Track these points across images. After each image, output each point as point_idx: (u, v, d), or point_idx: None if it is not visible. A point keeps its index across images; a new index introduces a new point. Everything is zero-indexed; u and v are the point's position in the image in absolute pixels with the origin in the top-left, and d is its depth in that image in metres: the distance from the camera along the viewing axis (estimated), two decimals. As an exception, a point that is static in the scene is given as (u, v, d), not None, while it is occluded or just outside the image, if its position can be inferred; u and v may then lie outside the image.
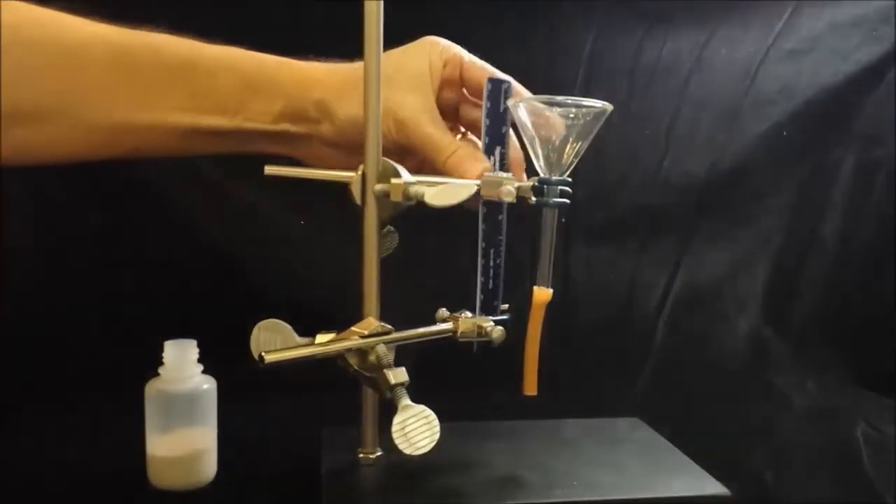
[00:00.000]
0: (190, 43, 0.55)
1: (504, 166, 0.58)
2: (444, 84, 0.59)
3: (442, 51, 0.59)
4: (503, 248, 0.59)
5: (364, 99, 0.52)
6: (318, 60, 0.59)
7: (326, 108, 0.57)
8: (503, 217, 0.58)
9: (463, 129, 0.63)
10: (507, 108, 0.57)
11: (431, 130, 0.57)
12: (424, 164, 0.58)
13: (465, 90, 0.61)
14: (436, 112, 0.58)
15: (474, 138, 0.61)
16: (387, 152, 0.54)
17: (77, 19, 0.51)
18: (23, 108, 0.49)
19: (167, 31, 0.54)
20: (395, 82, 0.56)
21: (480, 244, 0.58)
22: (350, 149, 0.55)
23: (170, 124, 0.54)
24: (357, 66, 0.54)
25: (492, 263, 0.58)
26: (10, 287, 0.72)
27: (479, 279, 0.58)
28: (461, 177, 0.55)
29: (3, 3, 0.48)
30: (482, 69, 0.59)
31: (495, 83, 0.57)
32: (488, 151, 0.57)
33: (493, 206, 0.58)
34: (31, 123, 0.50)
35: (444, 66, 0.58)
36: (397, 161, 0.54)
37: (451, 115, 0.61)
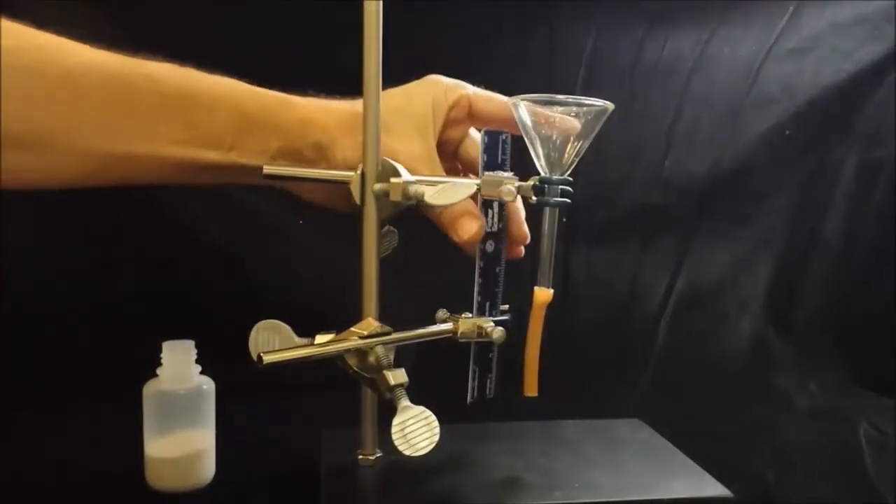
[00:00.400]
0: (189, 73, 0.53)
1: (503, 219, 0.57)
2: (449, 124, 0.58)
3: (447, 91, 0.57)
4: (500, 300, 0.58)
5: (363, 100, 0.52)
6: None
7: (324, 151, 0.56)
8: (501, 269, 0.58)
9: (461, 167, 0.62)
10: (505, 160, 0.56)
11: None
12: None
13: (471, 128, 0.60)
14: (435, 159, 0.57)
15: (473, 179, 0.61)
16: None
17: (77, 45, 0.50)
18: (19, 133, 0.48)
19: (168, 35, 0.53)
20: (394, 127, 0.55)
21: (476, 298, 0.57)
22: (346, 190, 0.54)
23: (164, 156, 0.52)
24: (357, 105, 0.53)
25: (487, 316, 0.58)
26: (10, 287, 0.72)
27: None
28: (455, 233, 0.55)
29: (2, 26, 0.46)
30: (489, 100, 0.58)
31: (492, 135, 0.55)
32: (486, 204, 0.56)
33: (492, 259, 0.57)
34: (26, 149, 0.48)
35: (451, 108, 0.57)
36: None
37: (450, 154, 0.60)
